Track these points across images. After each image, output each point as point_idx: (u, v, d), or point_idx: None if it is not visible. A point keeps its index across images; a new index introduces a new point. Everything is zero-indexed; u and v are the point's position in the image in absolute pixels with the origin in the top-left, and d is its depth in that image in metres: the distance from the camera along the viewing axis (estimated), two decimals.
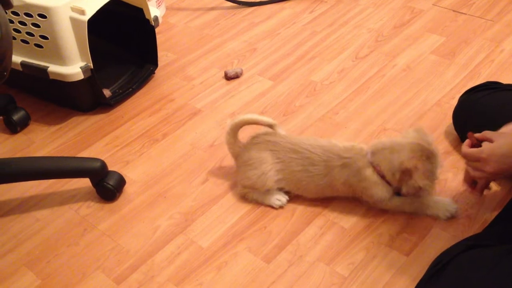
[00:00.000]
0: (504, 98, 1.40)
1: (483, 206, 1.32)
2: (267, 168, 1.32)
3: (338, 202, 1.35)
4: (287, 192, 1.37)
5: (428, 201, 1.29)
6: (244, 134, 1.38)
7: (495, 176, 1.11)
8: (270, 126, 1.36)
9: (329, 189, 1.32)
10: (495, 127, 1.34)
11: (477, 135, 1.14)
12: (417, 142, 1.23)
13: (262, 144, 1.34)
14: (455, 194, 1.35)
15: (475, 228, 1.26)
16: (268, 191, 1.35)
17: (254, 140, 1.35)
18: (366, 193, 1.28)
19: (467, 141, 1.17)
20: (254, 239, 1.30)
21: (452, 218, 1.28)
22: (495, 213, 1.28)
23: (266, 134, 1.35)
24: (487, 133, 1.11)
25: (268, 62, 1.89)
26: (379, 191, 1.27)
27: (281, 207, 1.36)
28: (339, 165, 1.27)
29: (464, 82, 1.71)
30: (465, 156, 1.13)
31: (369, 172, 1.25)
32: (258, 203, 1.38)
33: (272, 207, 1.36)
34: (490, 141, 1.10)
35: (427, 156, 1.21)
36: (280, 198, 1.36)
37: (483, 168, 1.10)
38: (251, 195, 1.37)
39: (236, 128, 1.36)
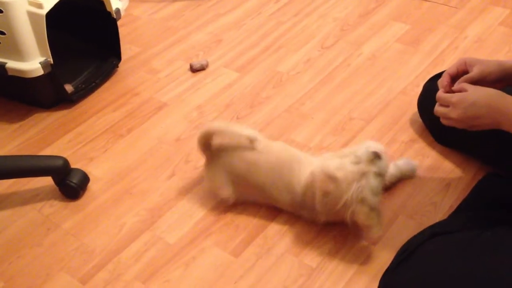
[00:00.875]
0: None
1: (449, 192, 1.33)
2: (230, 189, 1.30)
3: None
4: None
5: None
6: None
7: (459, 124, 1.10)
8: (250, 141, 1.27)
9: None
10: None
11: (454, 87, 1.12)
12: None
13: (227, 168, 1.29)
14: (421, 181, 1.36)
15: (441, 215, 1.28)
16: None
17: (222, 150, 1.30)
18: None
19: (444, 88, 1.14)
20: (222, 233, 1.29)
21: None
22: (460, 200, 1.29)
23: (227, 156, 1.30)
24: (464, 85, 1.10)
25: (233, 53, 1.87)
26: None
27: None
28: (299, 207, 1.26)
29: (429, 69, 1.72)
30: (438, 99, 1.11)
31: None
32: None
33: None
34: (462, 90, 1.09)
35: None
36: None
37: (449, 114, 1.09)
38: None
39: (209, 137, 1.29)
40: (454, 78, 1.17)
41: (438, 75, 1.49)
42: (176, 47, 1.92)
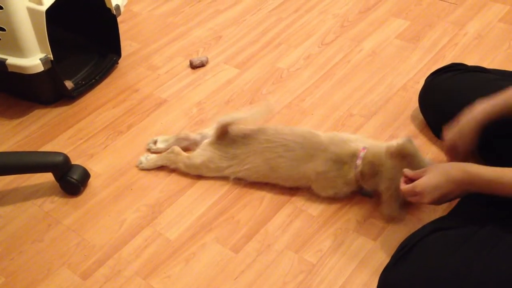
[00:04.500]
0: (468, 80, 1.42)
1: None
2: (234, 164, 1.36)
3: (306, 189, 1.35)
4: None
5: None
6: None
7: (436, 204, 1.16)
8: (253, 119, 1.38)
9: (300, 175, 1.33)
10: (460, 108, 1.36)
11: (410, 174, 1.17)
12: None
13: (240, 138, 1.36)
14: None
15: (441, 211, 1.28)
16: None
17: (232, 136, 1.37)
18: None
19: (402, 179, 1.19)
20: (222, 229, 1.29)
21: None
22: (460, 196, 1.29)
23: (241, 132, 1.38)
24: (418, 172, 1.16)
25: (234, 49, 1.87)
26: (342, 193, 1.33)
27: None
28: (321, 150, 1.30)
29: (429, 65, 1.72)
30: (404, 193, 1.17)
31: (350, 178, 1.29)
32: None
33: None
34: (421, 176, 1.15)
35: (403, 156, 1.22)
36: (144, 164, 1.44)
37: (421, 201, 1.14)
38: (158, 159, 1.44)
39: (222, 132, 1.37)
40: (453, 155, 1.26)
41: (439, 71, 1.50)
42: (176, 43, 1.92)
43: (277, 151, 1.32)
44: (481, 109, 1.20)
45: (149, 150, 1.50)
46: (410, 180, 1.16)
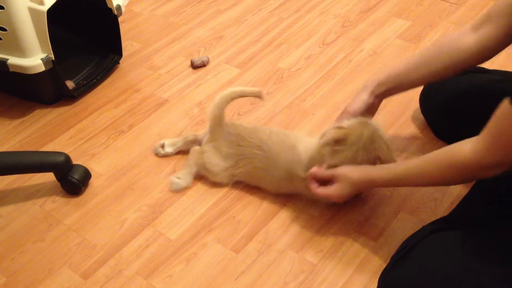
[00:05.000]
0: (469, 80, 1.42)
1: (449, 189, 1.33)
2: (229, 163, 1.34)
3: None
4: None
5: None
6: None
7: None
8: (257, 96, 1.36)
9: (289, 189, 1.33)
10: (461, 109, 1.36)
11: (318, 175, 1.22)
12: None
13: (233, 136, 1.34)
14: None
15: (442, 212, 1.28)
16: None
17: (229, 131, 1.35)
18: None
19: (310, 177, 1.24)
20: (223, 229, 1.29)
21: None
22: (461, 196, 1.29)
23: (237, 126, 1.36)
24: (326, 175, 1.21)
25: (235, 49, 1.87)
26: None
27: (176, 189, 1.38)
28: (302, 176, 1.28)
29: None
30: (317, 194, 1.23)
31: None
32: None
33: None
34: (329, 178, 1.21)
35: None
36: (180, 181, 1.38)
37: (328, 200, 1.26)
38: (191, 167, 1.39)
39: (224, 104, 1.34)
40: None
41: None
42: (177, 43, 1.92)
43: (264, 165, 1.32)
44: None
45: (157, 155, 1.49)
46: (318, 179, 1.23)
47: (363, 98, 1.30)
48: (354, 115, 1.28)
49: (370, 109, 1.32)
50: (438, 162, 1.06)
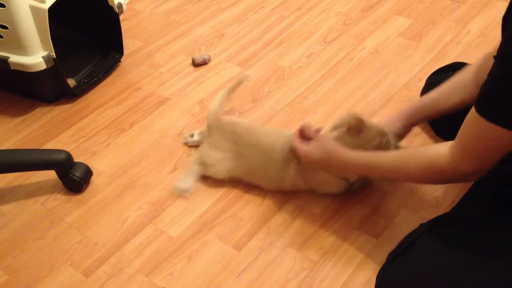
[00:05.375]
0: None
1: (450, 187, 1.33)
2: (226, 158, 1.35)
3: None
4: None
5: None
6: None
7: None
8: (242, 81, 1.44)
9: (290, 184, 1.32)
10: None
11: (304, 132, 1.25)
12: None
13: (229, 134, 1.35)
14: None
15: (443, 209, 1.28)
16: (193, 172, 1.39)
17: (225, 128, 1.37)
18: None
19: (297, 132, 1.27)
20: (225, 227, 1.29)
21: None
22: (462, 194, 1.29)
23: (234, 124, 1.37)
24: (311, 133, 1.25)
25: (236, 48, 1.87)
26: (337, 188, 1.32)
27: (182, 192, 1.38)
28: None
29: (431, 64, 1.71)
30: (293, 146, 1.25)
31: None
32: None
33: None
34: (311, 137, 1.24)
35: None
36: (187, 185, 1.37)
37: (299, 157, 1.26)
38: (194, 165, 1.40)
39: (219, 107, 1.41)
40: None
41: (442, 70, 1.50)
42: (178, 41, 1.92)
43: (256, 161, 1.33)
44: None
45: (186, 144, 1.50)
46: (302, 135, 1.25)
47: (398, 126, 1.29)
48: None
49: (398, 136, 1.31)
50: (416, 161, 1.05)
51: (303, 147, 1.22)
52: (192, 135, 1.50)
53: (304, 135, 1.25)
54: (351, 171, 1.23)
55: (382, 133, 1.21)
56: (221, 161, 1.35)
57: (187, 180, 1.38)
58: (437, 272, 0.99)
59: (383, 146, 1.20)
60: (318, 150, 1.20)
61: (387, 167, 1.11)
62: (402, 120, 1.30)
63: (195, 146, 1.48)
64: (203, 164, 1.38)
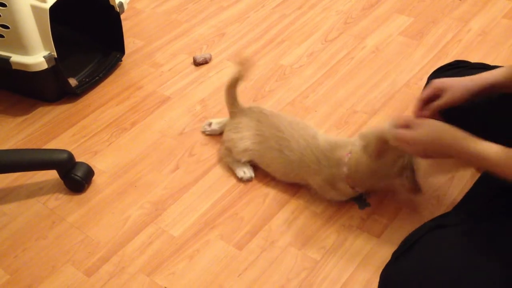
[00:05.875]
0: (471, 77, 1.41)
1: (452, 186, 1.33)
2: (246, 134, 1.36)
3: (309, 187, 1.35)
4: (255, 168, 1.40)
5: None
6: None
7: (420, 157, 1.17)
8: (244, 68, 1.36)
9: (297, 177, 1.33)
10: (463, 106, 1.35)
11: (404, 120, 1.16)
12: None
13: (254, 113, 1.38)
14: (424, 175, 1.36)
15: (444, 208, 1.28)
16: (239, 161, 1.38)
17: (250, 109, 1.40)
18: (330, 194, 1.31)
19: (414, 113, 1.20)
20: (226, 226, 1.29)
21: None
22: (464, 193, 1.29)
23: (259, 107, 1.40)
24: (415, 122, 1.14)
25: (237, 46, 1.87)
26: (344, 198, 1.30)
27: (248, 180, 1.38)
28: (315, 168, 1.27)
29: (432, 62, 1.71)
30: (397, 139, 1.15)
31: (342, 185, 1.26)
32: (231, 169, 1.42)
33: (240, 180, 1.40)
34: (417, 125, 1.13)
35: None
36: (246, 171, 1.38)
37: (405, 149, 1.14)
38: (227, 159, 1.41)
39: (231, 88, 1.39)
40: (427, 102, 1.21)
41: (443, 68, 1.49)
42: (179, 40, 1.92)
43: (279, 146, 1.32)
44: (476, 78, 1.19)
45: (204, 133, 1.53)
46: (405, 124, 1.15)
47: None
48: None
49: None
50: None
51: (407, 134, 1.11)
52: (210, 124, 1.52)
53: (405, 124, 1.16)
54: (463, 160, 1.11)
55: (401, 154, 1.18)
56: (241, 140, 1.36)
57: (244, 169, 1.39)
58: (441, 271, 0.99)
59: (404, 166, 1.18)
60: (427, 134, 1.09)
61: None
62: (466, 89, 1.18)
63: (213, 134, 1.51)
64: (228, 149, 1.40)
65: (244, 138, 1.36)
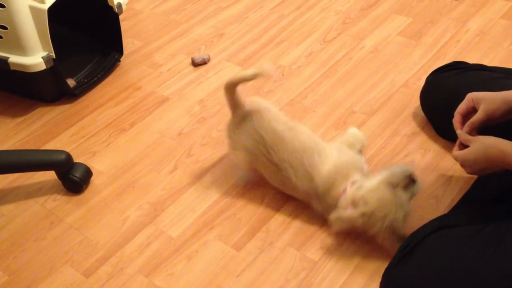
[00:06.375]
0: (470, 78, 1.42)
1: (450, 186, 1.33)
2: (244, 133, 1.29)
3: None
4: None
5: None
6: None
7: (478, 174, 1.22)
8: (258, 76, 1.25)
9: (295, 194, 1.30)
10: None
11: (462, 139, 1.18)
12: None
13: (251, 131, 1.28)
14: (423, 174, 1.36)
15: (443, 209, 1.28)
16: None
17: (244, 126, 1.29)
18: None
19: (456, 128, 1.21)
20: (224, 227, 1.29)
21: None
22: (462, 193, 1.30)
23: (257, 118, 1.29)
24: (468, 139, 1.16)
25: (235, 47, 1.87)
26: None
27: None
28: (315, 197, 1.24)
29: (431, 63, 1.71)
30: (454, 158, 1.19)
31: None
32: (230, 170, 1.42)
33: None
34: (468, 143, 1.16)
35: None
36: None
37: (464, 169, 1.18)
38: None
39: (230, 89, 1.28)
40: (465, 116, 1.22)
41: (441, 69, 1.50)
42: (178, 41, 1.92)
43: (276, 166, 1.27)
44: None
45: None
46: (461, 144, 1.18)
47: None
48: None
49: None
50: None
51: (460, 153, 1.15)
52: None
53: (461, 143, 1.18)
54: None
55: (400, 203, 1.15)
56: (239, 136, 1.29)
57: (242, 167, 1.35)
58: (445, 272, 0.99)
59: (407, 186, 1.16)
60: (477, 152, 1.12)
61: None
62: (503, 101, 1.17)
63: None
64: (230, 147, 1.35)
65: (242, 134, 1.29)
